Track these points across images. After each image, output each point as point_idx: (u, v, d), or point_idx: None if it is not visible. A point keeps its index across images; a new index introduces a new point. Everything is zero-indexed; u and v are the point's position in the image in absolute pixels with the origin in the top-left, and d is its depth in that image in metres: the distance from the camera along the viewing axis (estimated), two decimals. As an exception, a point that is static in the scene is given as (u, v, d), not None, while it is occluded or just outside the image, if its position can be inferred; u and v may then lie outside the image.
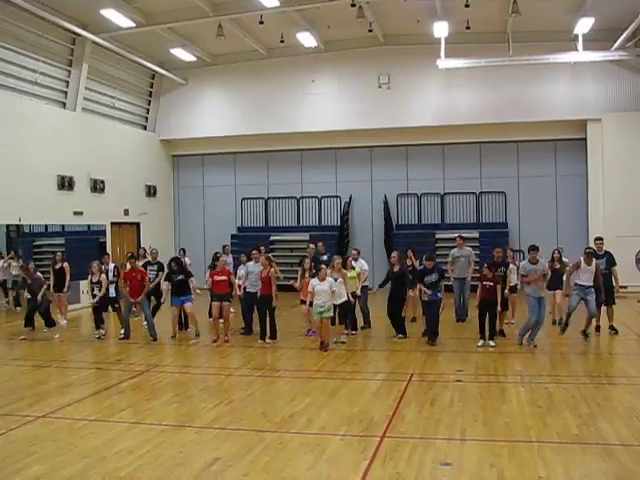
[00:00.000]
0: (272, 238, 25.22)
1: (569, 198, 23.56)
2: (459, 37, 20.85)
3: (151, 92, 25.87)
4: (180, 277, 14.81)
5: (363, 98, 23.90)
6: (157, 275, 16.33)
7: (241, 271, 15.59)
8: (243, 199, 26.31)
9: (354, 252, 16.25)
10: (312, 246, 16.81)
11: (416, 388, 10.25)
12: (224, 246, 19.07)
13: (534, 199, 23.86)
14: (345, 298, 13.84)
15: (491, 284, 13.29)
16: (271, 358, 13.04)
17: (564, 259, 15.54)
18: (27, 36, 19.18)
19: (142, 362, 12.63)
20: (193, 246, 22.42)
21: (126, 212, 23.81)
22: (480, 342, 13.29)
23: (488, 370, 11.25)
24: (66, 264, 16.62)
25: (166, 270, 15.59)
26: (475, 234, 23.36)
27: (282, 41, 21.84)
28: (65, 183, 20.49)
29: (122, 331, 15.22)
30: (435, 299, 13.63)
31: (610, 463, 6.98)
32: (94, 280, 15.32)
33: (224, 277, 14.51)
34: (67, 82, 21.20)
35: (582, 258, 13.35)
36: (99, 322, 15.39)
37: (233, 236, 25.44)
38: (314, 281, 13.27)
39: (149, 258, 17.18)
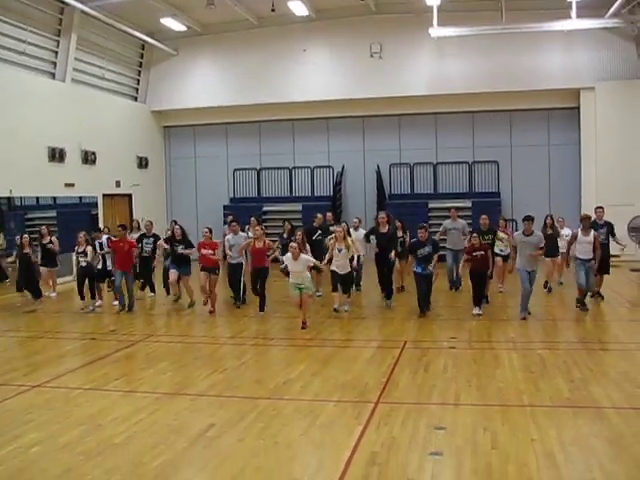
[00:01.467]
0: (265, 209, 25.17)
1: (562, 167, 23.55)
2: (452, 5, 20.65)
3: (141, 63, 25.60)
4: (181, 247, 14.83)
5: (355, 67, 23.72)
6: (154, 248, 16.23)
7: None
8: (235, 170, 26.20)
9: (355, 221, 16.39)
10: (320, 216, 16.66)
11: (410, 355, 10.31)
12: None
13: (527, 168, 23.82)
14: (349, 269, 13.82)
15: (482, 253, 13.00)
16: (264, 327, 13.04)
17: (565, 229, 15.83)
18: (15, 6, 18.89)
19: (136, 332, 12.65)
20: (186, 217, 22.28)
21: (118, 184, 23.68)
22: (476, 310, 13.17)
23: (481, 337, 11.31)
24: (54, 238, 16.45)
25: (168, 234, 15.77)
26: (468, 203, 23.34)
27: (273, 10, 21.58)
28: (56, 155, 20.31)
29: (115, 302, 15.26)
30: (427, 273, 13.15)
31: (602, 426, 7.06)
32: (79, 250, 15.13)
33: (210, 250, 14.25)
34: (56, 52, 20.94)
35: (579, 229, 13.20)
36: (94, 293, 15.25)
37: (225, 207, 25.35)
38: (285, 258, 12.71)
39: (143, 230, 17.06)
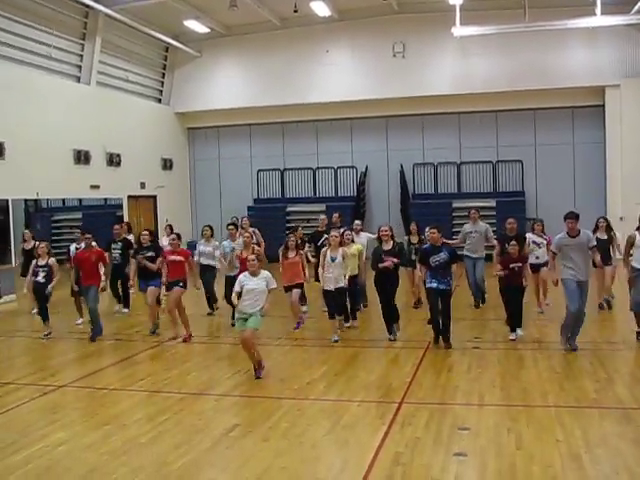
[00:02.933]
0: (288, 209, 25.23)
1: (587, 166, 23.33)
2: (474, 4, 20.56)
3: (165, 65, 25.78)
4: (150, 254, 12.29)
5: (378, 67, 23.70)
6: (123, 255, 14.26)
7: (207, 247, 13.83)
8: (259, 171, 26.29)
9: (358, 223, 14.24)
10: (323, 217, 14.72)
11: (433, 355, 10.27)
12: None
13: (551, 167, 23.65)
14: (342, 284, 11.26)
15: (520, 265, 10.82)
16: (288, 327, 13.03)
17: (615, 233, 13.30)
18: (40, 10, 19.12)
19: (161, 333, 12.66)
20: (210, 219, 22.37)
21: (142, 185, 23.86)
22: (513, 335, 10.98)
23: (506, 337, 11.22)
24: (40, 244, 12.88)
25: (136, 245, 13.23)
26: (492, 203, 23.25)
27: (295, 11, 21.62)
28: (81, 157, 20.54)
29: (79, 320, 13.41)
30: (444, 289, 10.58)
31: (628, 427, 6.99)
32: (41, 263, 12.17)
33: (179, 257, 11.76)
34: (81, 56, 21.17)
35: (636, 231, 10.69)
36: (47, 314, 12.40)
37: (250, 208, 25.47)
38: (242, 276, 9.45)
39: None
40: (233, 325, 11.57)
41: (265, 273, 9.33)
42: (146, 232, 12.81)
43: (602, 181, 22.73)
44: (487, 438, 6.76)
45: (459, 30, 20.32)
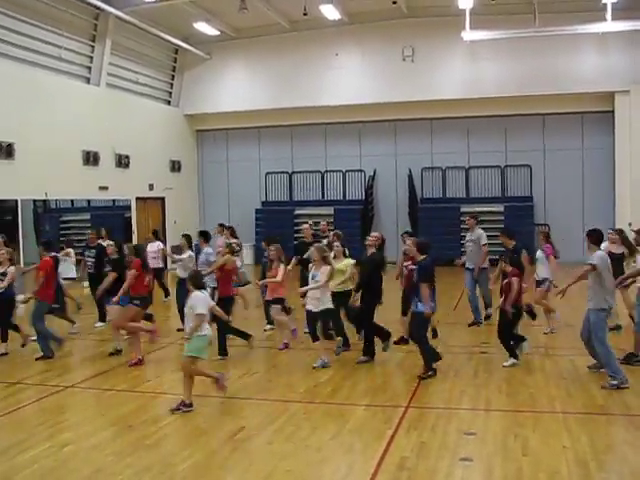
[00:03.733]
0: (296, 212, 25.24)
1: (596, 172, 23.25)
2: (484, 8, 20.51)
3: (175, 67, 25.84)
4: (107, 268, 11.46)
5: (387, 71, 23.68)
6: (97, 263, 13.21)
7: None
8: (267, 173, 26.30)
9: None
10: (307, 226, 13.40)
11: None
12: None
13: (560, 173, 23.58)
14: (327, 305, 9.93)
15: (505, 281, 9.67)
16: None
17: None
18: (50, 11, 19.20)
19: (170, 334, 12.68)
20: (218, 221, 22.40)
21: (151, 187, 23.91)
22: (510, 362, 9.68)
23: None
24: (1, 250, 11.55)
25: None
26: (500, 208, 23.22)
27: (305, 14, 21.61)
28: (90, 158, 20.61)
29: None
30: (417, 311, 9.45)
31: (635, 434, 6.98)
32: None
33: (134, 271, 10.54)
34: (91, 57, 21.24)
35: None
36: (6, 333, 11.21)
37: (257, 210, 25.52)
38: (197, 296, 8.16)
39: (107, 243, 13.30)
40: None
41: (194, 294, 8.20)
42: (112, 242, 11.92)
43: (611, 187, 22.64)
44: (493, 443, 6.74)
45: (469, 34, 20.31)
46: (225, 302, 10.19)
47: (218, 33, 24.00)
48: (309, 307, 9.98)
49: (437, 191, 24.81)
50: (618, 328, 11.25)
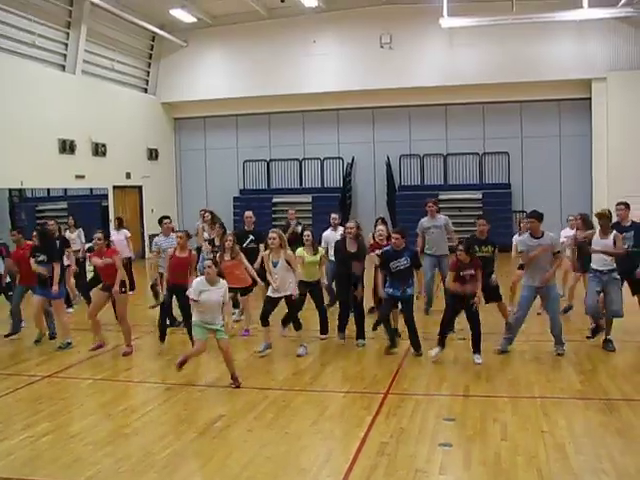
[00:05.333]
0: (274, 200, 25.19)
1: (573, 158, 23.41)
2: (462, -5, 20.55)
3: (151, 54, 25.59)
4: (41, 257, 10.69)
5: (365, 58, 23.62)
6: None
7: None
8: (245, 161, 26.20)
9: (335, 217, 12.62)
10: (249, 214, 13.12)
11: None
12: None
13: (538, 160, 23.70)
14: (288, 292, 9.82)
15: (472, 273, 9.23)
16: (274, 318, 12.96)
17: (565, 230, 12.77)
18: (24, -3, 18.95)
19: (147, 323, 12.61)
20: (196, 209, 22.23)
21: (128, 175, 23.72)
22: (435, 350, 9.39)
23: (492, 329, 11.20)
24: None
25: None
26: (478, 195, 23.33)
27: (283, 1, 21.55)
28: (66, 146, 20.38)
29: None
30: (406, 296, 9.80)
31: (611, 417, 7.05)
32: None
33: (108, 259, 10.22)
34: (66, 44, 20.97)
35: (597, 230, 9.97)
36: None
37: (235, 198, 25.43)
38: (198, 282, 8.48)
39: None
40: None
41: (222, 282, 8.53)
42: (35, 231, 11.42)
43: (588, 173, 22.82)
44: (472, 429, 6.79)
45: (447, 21, 20.31)
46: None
47: (195, 20, 23.82)
48: (270, 293, 9.93)
49: (415, 178, 24.86)
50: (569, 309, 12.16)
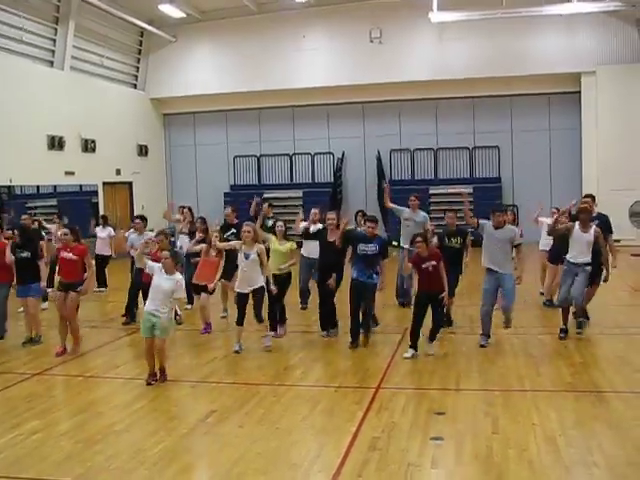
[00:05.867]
0: (265, 195, 25.07)
1: (563, 152, 23.46)
2: (452, -11, 20.51)
3: (140, 50, 25.50)
4: (25, 254, 10.40)
5: (355, 53, 23.60)
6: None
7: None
8: (235, 157, 26.14)
9: (314, 212, 11.91)
10: (229, 211, 13.14)
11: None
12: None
13: (528, 153, 23.75)
14: (259, 284, 9.72)
15: (434, 264, 9.11)
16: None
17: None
18: (12, -7, 18.82)
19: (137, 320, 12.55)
20: (186, 204, 22.17)
21: (118, 172, 23.64)
22: (409, 352, 9.29)
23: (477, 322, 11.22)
24: None
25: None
26: (469, 189, 23.30)
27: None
28: (55, 143, 20.29)
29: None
30: (370, 282, 9.79)
31: (601, 409, 7.09)
32: None
33: (73, 256, 9.84)
34: (54, 40, 20.85)
35: (575, 222, 10.00)
36: None
37: (226, 194, 25.35)
38: (157, 266, 8.38)
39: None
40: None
41: (177, 274, 8.33)
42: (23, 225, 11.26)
43: (578, 167, 22.87)
44: (464, 422, 6.79)
45: (436, 16, 20.30)
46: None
47: (184, 15, 23.67)
48: (239, 289, 9.78)
49: (406, 173, 24.87)
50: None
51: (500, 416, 6.91)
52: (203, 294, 11.07)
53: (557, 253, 11.24)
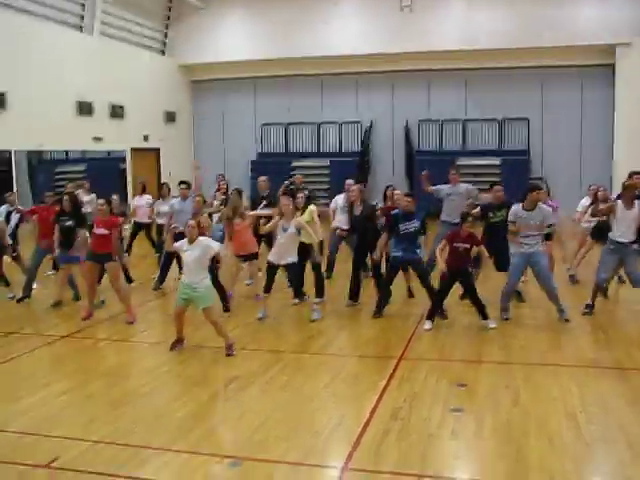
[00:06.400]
0: (293, 164, 25.11)
1: (594, 126, 23.05)
2: (485, -43, 20.17)
3: (169, 16, 25.42)
4: (69, 223, 10.54)
5: (385, 21, 23.29)
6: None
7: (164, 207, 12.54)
8: (263, 125, 26.08)
9: (349, 182, 12.22)
10: (263, 180, 13.13)
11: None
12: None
13: (558, 127, 23.37)
14: (292, 259, 9.75)
15: (466, 247, 9.19)
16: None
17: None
18: (42, -43, 18.81)
19: (162, 286, 12.65)
20: (213, 173, 22.17)
21: (146, 138, 23.72)
22: (428, 324, 9.34)
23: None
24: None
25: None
26: (497, 161, 23.10)
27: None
28: (84, 109, 20.38)
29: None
30: (416, 258, 9.81)
31: (623, 387, 7.06)
32: None
33: (104, 231, 9.91)
34: (83, 5, 20.85)
35: (618, 200, 9.76)
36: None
37: (253, 162, 25.37)
38: (180, 243, 8.46)
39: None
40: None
41: (202, 240, 8.33)
42: (73, 194, 11.31)
43: (609, 142, 22.44)
44: (484, 395, 6.83)
45: (468, -16, 19.98)
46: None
47: (214, -19, 23.56)
48: (271, 258, 9.84)
49: (434, 143, 24.64)
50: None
51: (521, 389, 6.93)
52: (251, 262, 10.85)
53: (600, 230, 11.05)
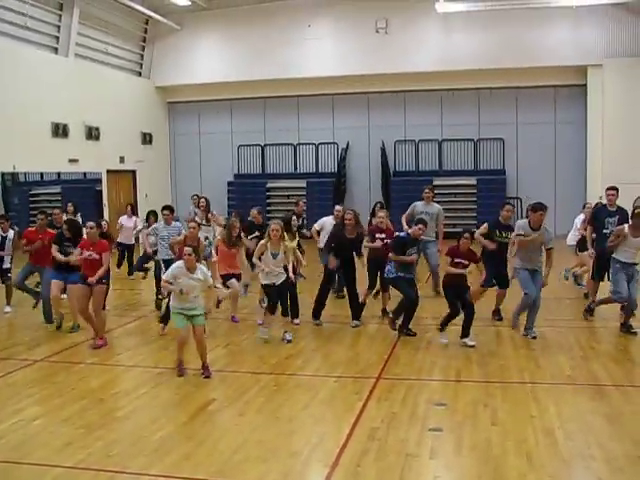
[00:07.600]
0: (269, 185, 25.14)
1: (568, 145, 23.39)
2: (458, -20, 20.44)
3: (145, 38, 25.44)
4: (71, 249, 10.37)
5: (360, 43, 23.49)
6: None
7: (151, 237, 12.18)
8: (239, 146, 26.12)
9: (338, 209, 12.48)
10: (255, 212, 12.80)
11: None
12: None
13: (533, 146, 23.67)
14: (284, 276, 9.88)
15: (465, 263, 9.47)
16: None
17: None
18: (17, -21, 18.76)
19: (139, 308, 12.62)
20: (190, 194, 22.17)
21: (122, 160, 23.63)
22: (445, 338, 9.64)
23: (482, 314, 11.19)
24: None
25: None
26: (473, 181, 23.31)
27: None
28: (59, 130, 20.29)
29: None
30: (413, 277, 10.22)
31: (601, 403, 7.09)
32: None
33: (95, 255, 9.64)
34: (58, 27, 20.80)
35: (626, 225, 9.95)
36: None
37: (230, 183, 25.38)
38: (177, 269, 8.27)
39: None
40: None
41: (201, 267, 8.37)
42: (73, 220, 11.46)
43: (583, 161, 22.78)
44: (463, 414, 6.82)
45: (442, 6, 20.28)
46: None
47: (189, 3, 23.61)
48: (268, 281, 9.80)
49: (410, 164, 24.81)
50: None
51: (499, 408, 6.93)
52: (233, 281, 10.91)
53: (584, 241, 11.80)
